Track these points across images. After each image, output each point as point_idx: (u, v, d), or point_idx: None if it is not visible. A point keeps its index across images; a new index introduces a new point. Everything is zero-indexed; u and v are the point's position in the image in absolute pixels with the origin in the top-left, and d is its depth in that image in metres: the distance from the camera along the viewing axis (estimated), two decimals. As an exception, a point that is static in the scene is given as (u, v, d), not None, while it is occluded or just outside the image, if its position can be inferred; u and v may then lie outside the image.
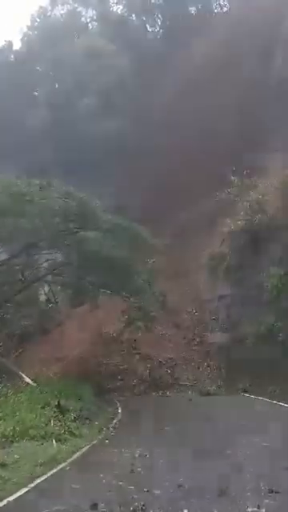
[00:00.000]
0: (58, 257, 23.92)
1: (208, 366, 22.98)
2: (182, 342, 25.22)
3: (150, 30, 56.08)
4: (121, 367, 24.43)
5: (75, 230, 21.21)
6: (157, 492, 7.63)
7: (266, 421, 13.88)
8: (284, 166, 22.76)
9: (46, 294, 33.63)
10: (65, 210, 19.31)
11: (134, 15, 56.61)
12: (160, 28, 55.96)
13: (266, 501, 6.96)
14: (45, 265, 24.21)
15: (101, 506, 6.88)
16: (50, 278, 25.50)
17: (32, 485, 8.13)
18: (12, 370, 21.10)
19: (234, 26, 41.28)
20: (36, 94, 54.87)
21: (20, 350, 28.02)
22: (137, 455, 10.26)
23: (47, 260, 24.15)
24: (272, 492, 7.27)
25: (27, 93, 52.79)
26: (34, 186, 20.05)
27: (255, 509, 6.65)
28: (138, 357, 24.82)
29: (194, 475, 8.55)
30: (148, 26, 56.15)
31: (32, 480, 8.37)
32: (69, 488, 7.94)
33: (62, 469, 9.38)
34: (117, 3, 57.73)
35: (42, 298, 33.56)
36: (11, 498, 7.38)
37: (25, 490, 7.85)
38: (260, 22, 38.06)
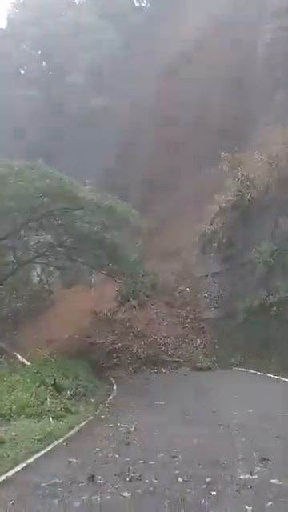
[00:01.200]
0: (48, 238, 23.90)
1: (202, 342, 23.24)
2: (176, 319, 25.43)
3: (137, 4, 55.10)
4: (115, 346, 24.63)
5: (62, 210, 21.17)
6: (152, 463, 7.82)
7: (257, 393, 14.14)
8: (273, 140, 22.66)
9: (38, 275, 33.66)
10: (46, 191, 19.23)
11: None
12: (147, 2, 55.04)
13: (258, 468, 7.17)
14: (35, 246, 24.19)
15: (97, 477, 7.06)
16: (42, 259, 25.46)
17: (30, 460, 8.27)
18: (7, 350, 21.27)
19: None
20: (23, 72, 54.10)
21: (14, 332, 28.20)
22: (132, 429, 10.45)
23: (38, 242, 24.14)
24: (264, 460, 7.49)
25: (13, 72, 51.95)
26: (15, 167, 19.92)
27: (247, 475, 6.85)
28: (132, 335, 25.02)
29: (187, 446, 8.75)
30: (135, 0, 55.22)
31: (29, 456, 8.50)
32: (66, 462, 8.09)
33: (59, 444, 9.54)
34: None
35: (35, 279, 33.59)
36: (10, 474, 7.52)
37: (22, 465, 7.99)
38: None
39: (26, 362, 19.06)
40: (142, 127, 40.04)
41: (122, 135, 40.58)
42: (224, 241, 24.59)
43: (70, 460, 8.19)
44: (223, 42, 37.48)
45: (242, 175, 22.97)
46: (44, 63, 54.03)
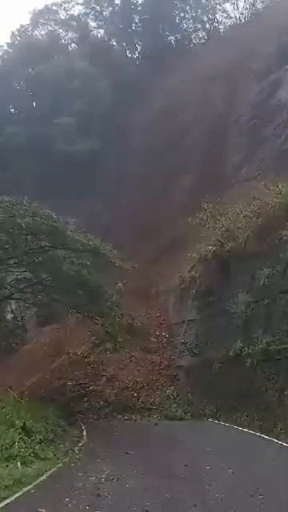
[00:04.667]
0: (27, 274, 23.76)
1: (175, 391, 22.98)
2: (150, 365, 25.18)
3: (130, 55, 57.27)
4: (87, 389, 24.17)
5: (45, 248, 21.23)
6: (124, 517, 7.63)
7: (230, 447, 13.98)
8: (255, 195, 23.36)
9: (13, 312, 33.22)
10: (33, 229, 19.33)
11: (114, 40, 57.83)
12: (139, 54, 57.26)
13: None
14: (12, 282, 23.98)
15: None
16: (19, 296, 25.21)
17: (-4, 508, 7.99)
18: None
19: (209, 58, 42.67)
20: (12, 111, 55.03)
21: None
22: (103, 479, 10.20)
23: (17, 277, 23.97)
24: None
25: (4, 109, 52.86)
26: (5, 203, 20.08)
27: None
28: (104, 379, 24.63)
29: (160, 500, 8.56)
30: (128, 51, 57.37)
31: (-4, 503, 8.22)
32: (34, 512, 7.84)
33: (27, 492, 9.23)
34: (97, 27, 58.97)
35: (9, 316, 33.14)
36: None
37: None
38: (234, 57, 39.46)
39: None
40: (128, 173, 40.91)
41: (108, 178, 41.32)
42: (202, 289, 24.83)
43: (39, 510, 7.93)
44: (207, 95, 39.18)
45: (223, 226, 23.45)
46: (34, 103, 55.16)
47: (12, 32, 58.53)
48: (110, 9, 58.08)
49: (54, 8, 59.39)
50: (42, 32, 59.70)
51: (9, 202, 20.11)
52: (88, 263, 21.41)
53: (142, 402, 22.79)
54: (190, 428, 18.29)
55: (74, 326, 28.79)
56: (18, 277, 23.90)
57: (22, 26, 58.66)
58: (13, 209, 19.53)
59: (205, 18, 55.97)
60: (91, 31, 59.26)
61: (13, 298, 27.01)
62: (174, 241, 30.61)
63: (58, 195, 37.92)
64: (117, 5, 57.56)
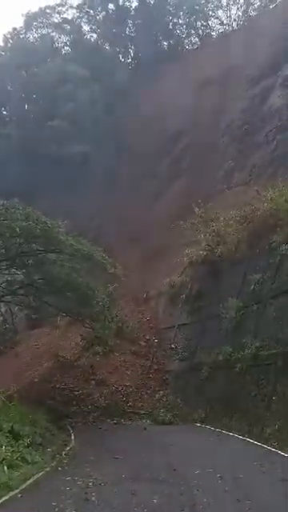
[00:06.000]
0: (18, 277, 23.67)
1: (164, 395, 22.94)
2: (139, 369, 25.14)
3: (123, 60, 57.36)
4: (76, 392, 24.08)
5: (37, 251, 21.19)
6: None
7: (219, 452, 13.96)
8: (245, 200, 23.50)
9: (2, 314, 33.05)
10: (26, 232, 19.27)
11: (107, 45, 57.91)
12: (132, 59, 57.37)
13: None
14: (3, 284, 23.86)
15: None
16: (9, 298, 25.10)
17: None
18: None
19: (201, 64, 42.89)
20: (5, 113, 54.88)
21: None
22: (90, 484, 10.14)
23: (6, 280, 23.86)
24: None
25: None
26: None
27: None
28: (93, 383, 24.56)
29: (147, 506, 8.52)
30: (120, 56, 57.46)
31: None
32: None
33: (13, 496, 9.15)
34: (91, 31, 59.04)
35: (-1, 318, 32.97)
36: None
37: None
38: (227, 63, 39.74)
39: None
40: (120, 177, 40.94)
41: (99, 182, 41.31)
42: (192, 293, 24.87)
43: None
44: (199, 100, 39.37)
45: (213, 231, 23.53)
46: (26, 106, 55.04)
47: (4, 35, 58.49)
48: (104, 13, 58.16)
49: (48, 11, 59.36)
50: (36, 35, 59.66)
51: (2, 205, 20.02)
52: (79, 267, 21.41)
53: (131, 406, 22.76)
54: (178, 432, 18.25)
55: (64, 329, 28.70)
56: (9, 279, 23.81)
57: (14, 29, 58.63)
58: (7, 212, 19.44)
59: (198, 24, 56.23)
60: (84, 35, 59.30)
61: (2, 301, 26.89)
62: (165, 245, 30.66)
63: (49, 198, 37.89)
64: (110, 9, 57.66)
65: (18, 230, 18.57)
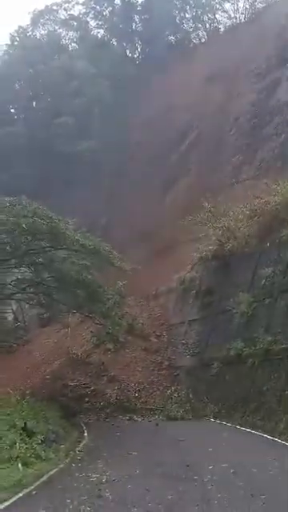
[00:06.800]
0: (27, 275, 23.72)
1: (175, 391, 22.92)
2: (151, 365, 25.14)
3: (130, 55, 57.17)
4: (88, 389, 24.14)
5: (45, 248, 21.21)
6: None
7: (231, 446, 13.94)
8: (254, 194, 23.33)
9: (13, 312, 33.22)
10: (34, 229, 19.29)
11: (114, 40, 57.75)
12: (139, 54, 57.15)
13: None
14: (14, 283, 23.94)
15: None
16: (20, 296, 25.18)
17: (-3, 509, 7.97)
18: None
19: (209, 58, 42.66)
20: (13, 111, 55.03)
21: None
22: (104, 480, 10.17)
23: (17, 278, 23.93)
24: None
25: (4, 110, 52.85)
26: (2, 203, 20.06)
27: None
28: (105, 379, 24.59)
29: (162, 502, 8.52)
30: (128, 51, 57.27)
31: (-3, 504, 8.20)
32: (35, 513, 7.81)
33: (28, 493, 9.20)
34: (97, 27, 58.90)
35: (10, 317, 33.15)
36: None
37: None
38: (234, 57, 39.45)
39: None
40: (127, 172, 40.86)
41: (107, 179, 41.30)
42: (203, 288, 24.78)
43: (40, 511, 7.90)
44: (207, 94, 39.14)
45: (223, 226, 23.41)
46: (34, 104, 55.15)
47: (11, 33, 58.55)
48: (110, 8, 57.99)
49: (55, 8, 59.43)
50: (42, 32, 59.77)
51: (10, 202, 20.07)
52: (88, 264, 21.41)
53: (142, 402, 22.76)
54: (191, 428, 18.24)
55: (75, 327, 28.76)
56: (19, 277, 23.87)
57: (21, 27, 58.68)
58: (13, 209, 19.48)
59: (205, 18, 55.86)
60: (91, 31, 59.24)
61: (13, 299, 27.01)
62: (174, 240, 30.58)
63: (57, 195, 37.93)
64: (117, 4, 57.47)
65: (24, 226, 18.59)
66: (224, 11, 54.79)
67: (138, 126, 43.15)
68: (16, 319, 32.97)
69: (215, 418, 18.96)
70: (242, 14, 52.54)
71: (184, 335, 25.26)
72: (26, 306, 30.91)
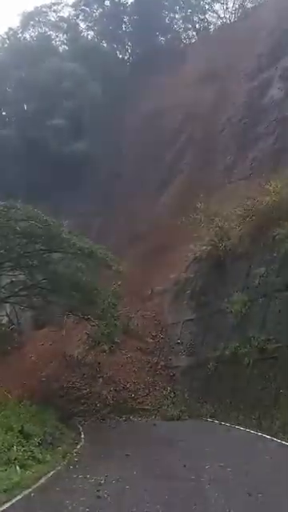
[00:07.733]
0: (22, 277, 23.69)
1: (172, 391, 22.99)
2: (146, 365, 25.18)
3: (120, 56, 57.17)
4: (84, 391, 24.15)
5: (40, 251, 21.21)
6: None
7: (228, 446, 14.03)
8: (247, 194, 23.44)
9: (7, 314, 33.10)
10: (29, 232, 19.29)
11: (104, 41, 57.69)
12: (130, 55, 57.16)
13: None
14: (7, 286, 23.89)
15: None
16: (14, 299, 25.13)
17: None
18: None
19: (199, 58, 42.77)
20: (4, 113, 54.85)
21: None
22: (102, 481, 10.20)
23: (12, 281, 23.89)
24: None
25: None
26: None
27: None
28: (101, 380, 24.61)
29: (160, 502, 8.57)
30: (118, 52, 57.25)
31: (-5, 507, 8.21)
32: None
33: (26, 495, 9.22)
34: (87, 29, 58.84)
35: (4, 319, 33.02)
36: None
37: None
38: (225, 57, 39.60)
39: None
40: (121, 173, 40.88)
41: (99, 180, 41.29)
42: (197, 289, 24.88)
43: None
44: (198, 95, 39.23)
45: (217, 226, 23.51)
46: (25, 106, 54.95)
47: (1, 35, 58.30)
48: (100, 10, 57.89)
49: (44, 10, 59.17)
50: (32, 34, 59.50)
51: (4, 205, 20.04)
52: (83, 266, 21.43)
53: (139, 403, 22.80)
54: (188, 428, 18.33)
55: (70, 328, 28.75)
56: (13, 280, 23.83)
57: (11, 29, 58.41)
58: (8, 213, 19.47)
59: (195, 18, 55.99)
60: (81, 32, 59.08)
61: (7, 302, 26.93)
62: (168, 241, 30.60)
63: (49, 197, 37.82)
64: (106, 6, 57.40)
65: (18, 228, 18.60)
66: (214, 11, 55.03)
67: (130, 126, 43.15)
68: (10, 322, 32.85)
69: (212, 417, 19.04)
70: (232, 13, 52.78)
71: (179, 335, 25.32)
72: (21, 308, 30.83)
